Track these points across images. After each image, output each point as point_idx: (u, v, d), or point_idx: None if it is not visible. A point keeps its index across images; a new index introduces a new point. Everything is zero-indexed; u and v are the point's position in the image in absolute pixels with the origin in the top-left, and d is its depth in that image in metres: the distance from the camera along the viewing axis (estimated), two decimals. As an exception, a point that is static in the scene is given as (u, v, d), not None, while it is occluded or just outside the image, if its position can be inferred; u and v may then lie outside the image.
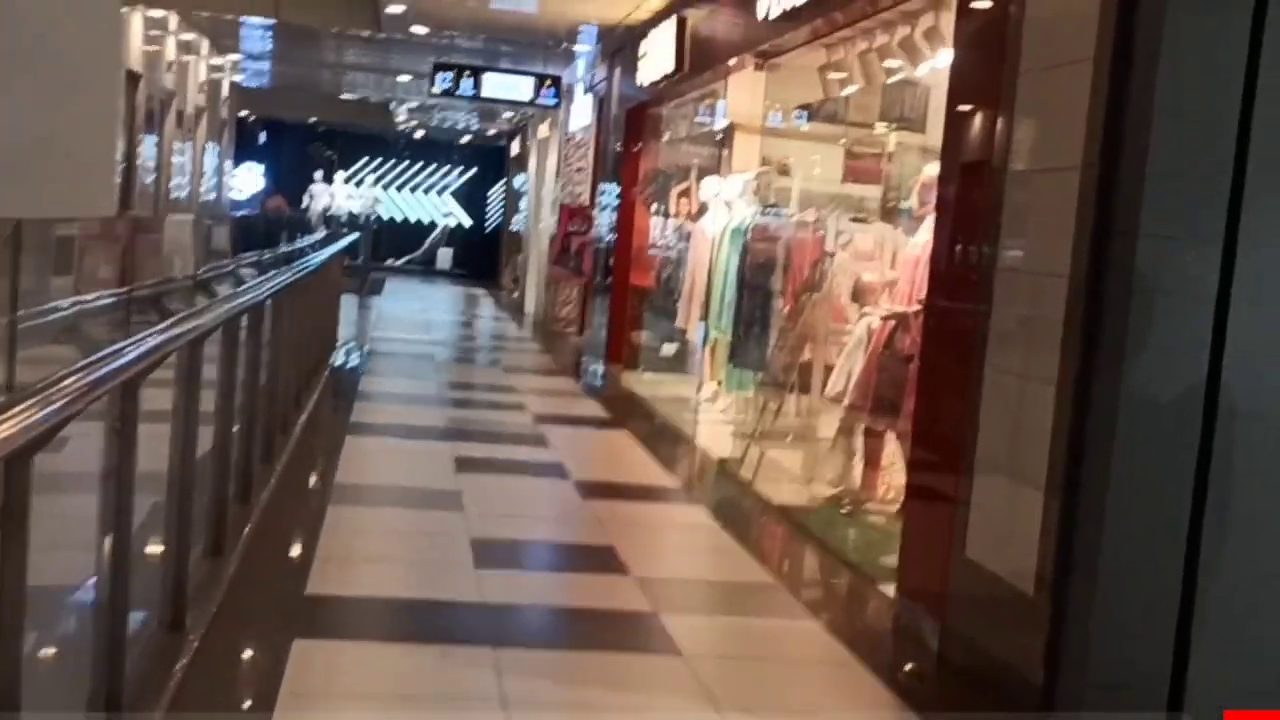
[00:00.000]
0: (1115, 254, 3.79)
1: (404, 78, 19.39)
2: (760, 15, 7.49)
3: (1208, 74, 3.67)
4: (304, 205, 27.17)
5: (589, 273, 16.52)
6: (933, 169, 6.74)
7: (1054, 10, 4.20)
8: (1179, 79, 3.66)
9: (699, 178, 12.04)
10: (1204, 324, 3.71)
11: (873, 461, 6.99)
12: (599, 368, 13.28)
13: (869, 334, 7.36)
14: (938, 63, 6.08)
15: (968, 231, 4.73)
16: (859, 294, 7.49)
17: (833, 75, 7.28)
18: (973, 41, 4.79)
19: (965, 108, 4.78)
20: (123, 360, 3.08)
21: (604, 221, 14.11)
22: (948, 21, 5.76)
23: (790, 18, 7.10)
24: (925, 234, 6.81)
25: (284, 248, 11.95)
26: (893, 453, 6.92)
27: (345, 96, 24.22)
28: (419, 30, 13.58)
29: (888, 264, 7.81)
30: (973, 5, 4.74)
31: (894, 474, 6.86)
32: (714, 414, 10.21)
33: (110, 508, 3.20)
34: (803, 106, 12.89)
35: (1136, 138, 3.72)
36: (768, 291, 9.42)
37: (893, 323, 6.79)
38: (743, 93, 9.03)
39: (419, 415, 9.50)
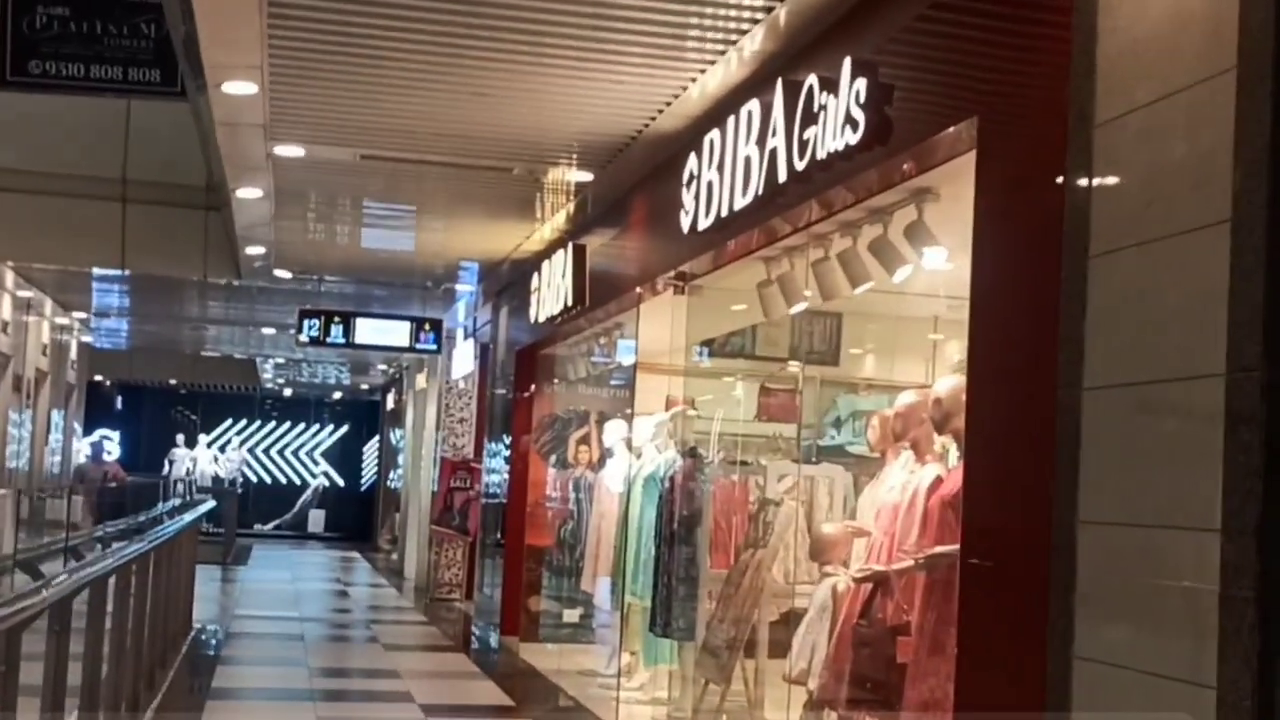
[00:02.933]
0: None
1: (268, 330, 18.14)
2: (684, 228, 6.44)
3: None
4: (165, 471, 25.47)
5: (475, 531, 15.16)
6: (906, 398, 5.63)
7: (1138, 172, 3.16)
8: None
9: (600, 422, 10.88)
10: None
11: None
12: (493, 640, 11.74)
13: (834, 599, 6.09)
14: (928, 262, 5.02)
15: (1020, 470, 3.55)
16: (818, 549, 6.25)
17: (774, 292, 6.21)
18: (1011, 227, 3.72)
19: (1001, 308, 3.67)
20: None
21: (492, 475, 12.80)
22: (938, 212, 4.74)
23: (722, 228, 6.06)
24: (899, 475, 5.65)
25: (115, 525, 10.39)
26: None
27: (207, 354, 22.85)
28: (282, 275, 12.39)
29: (844, 512, 6.62)
30: (1007, 177, 3.69)
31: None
32: (634, 694, 8.73)
33: None
34: (705, 342, 12.00)
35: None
36: (694, 548, 8.14)
37: (868, 586, 5.54)
38: (656, 323, 7.94)
39: (280, 714, 7.91)
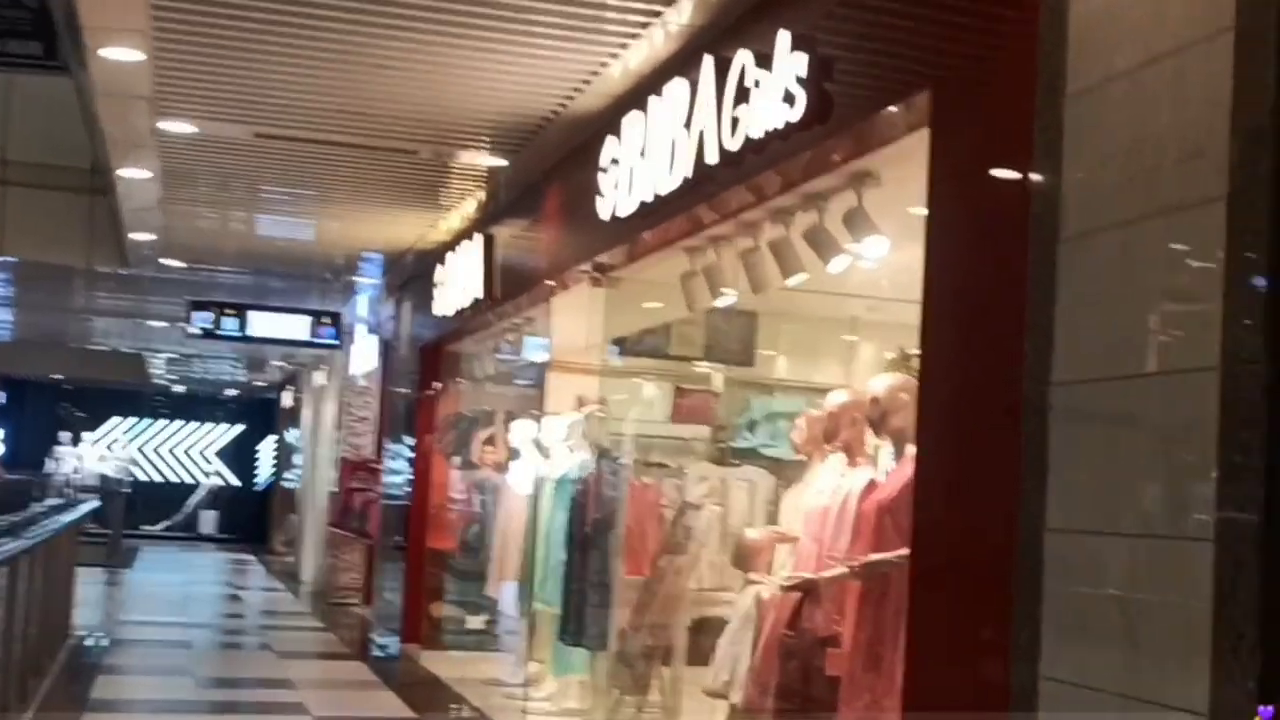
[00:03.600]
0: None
1: (158, 323, 17.40)
2: (603, 216, 6.08)
3: None
4: (47, 470, 24.45)
5: (375, 534, 14.64)
6: (837, 398, 5.34)
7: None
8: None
9: (507, 422, 10.48)
10: None
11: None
12: (393, 647, 11.27)
13: (759, 609, 5.78)
14: (871, 250, 4.71)
15: (979, 472, 3.25)
16: (741, 556, 5.93)
17: (698, 284, 5.87)
18: (969, 209, 3.42)
19: (960, 297, 3.37)
20: None
21: (394, 476, 12.33)
22: (877, 199, 4.43)
23: (645, 216, 5.71)
24: (828, 479, 5.36)
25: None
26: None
27: (94, 347, 21.95)
28: (172, 264, 11.78)
29: (765, 517, 6.32)
30: (964, 154, 3.39)
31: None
32: (541, 704, 8.35)
33: None
34: (617, 340, 11.64)
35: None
36: (606, 553, 7.78)
37: (796, 595, 5.23)
38: (571, 318, 7.58)
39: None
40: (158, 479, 28.00)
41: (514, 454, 9.81)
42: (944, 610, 3.44)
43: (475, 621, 10.68)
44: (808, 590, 5.18)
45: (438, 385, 11.22)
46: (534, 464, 9.36)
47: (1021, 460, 3.06)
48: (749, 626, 5.79)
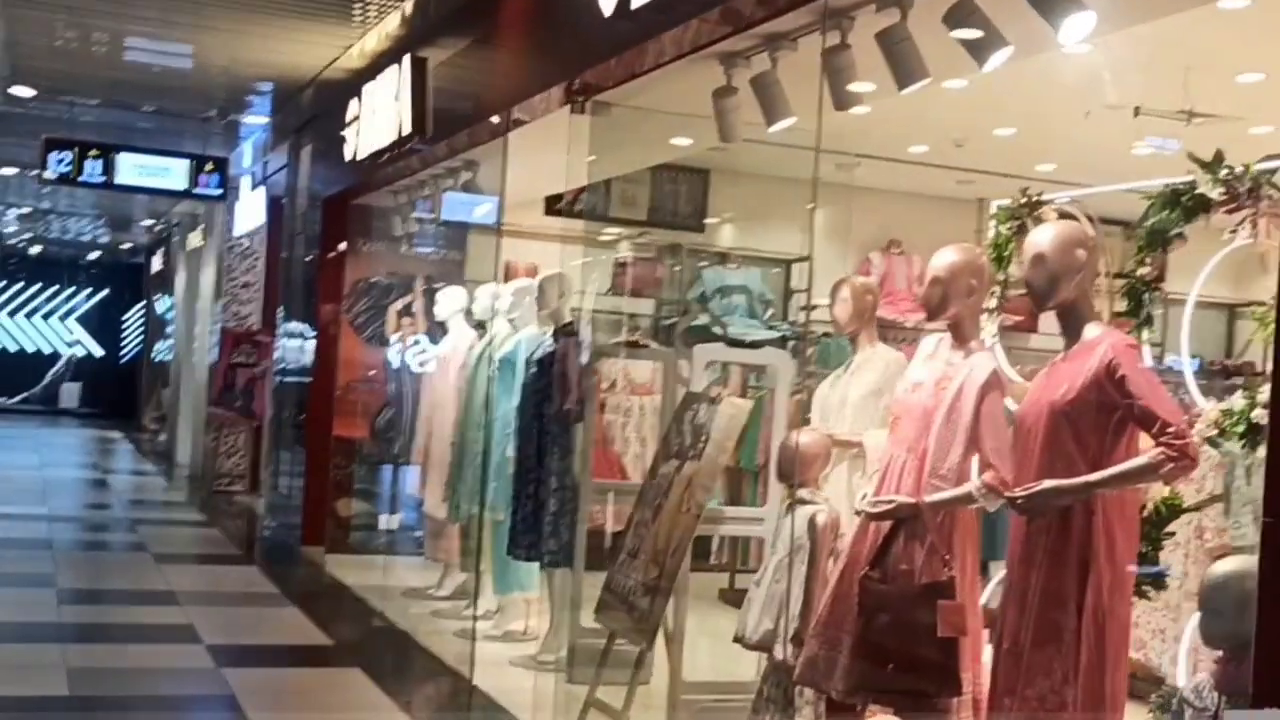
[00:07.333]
0: None
1: (7, 170, 15.21)
2: (606, 11, 4.49)
3: None
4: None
5: (261, 414, 13.03)
6: (947, 257, 3.89)
7: None
8: None
9: (429, 290, 8.93)
10: None
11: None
12: (293, 549, 9.75)
13: (816, 537, 4.41)
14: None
15: None
16: (790, 465, 4.52)
17: (734, 105, 4.34)
18: None
19: None
20: None
21: (288, 351, 10.68)
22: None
23: (663, 10, 4.16)
24: (925, 368, 3.94)
25: None
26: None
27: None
28: (21, 93, 9.79)
29: (830, 410, 4.91)
30: None
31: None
32: (481, 626, 6.95)
33: None
34: (552, 198, 10.08)
35: None
36: (571, 451, 6.35)
37: (885, 525, 3.85)
38: (533, 158, 5.99)
39: (17, 664, 5.88)
40: (12, 348, 25.89)
41: (440, 328, 8.29)
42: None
43: (390, 521, 9.23)
44: (905, 517, 3.80)
45: (344, 245, 9.56)
46: (466, 341, 7.86)
47: None
48: (801, 560, 4.43)
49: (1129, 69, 5.54)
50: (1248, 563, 2.74)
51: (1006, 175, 8.86)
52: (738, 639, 4.55)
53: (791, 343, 9.74)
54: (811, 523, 4.41)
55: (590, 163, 5.44)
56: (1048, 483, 3.20)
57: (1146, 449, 3.16)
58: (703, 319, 9.70)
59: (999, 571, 3.99)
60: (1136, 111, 6.16)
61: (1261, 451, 3.30)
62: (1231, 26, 4.91)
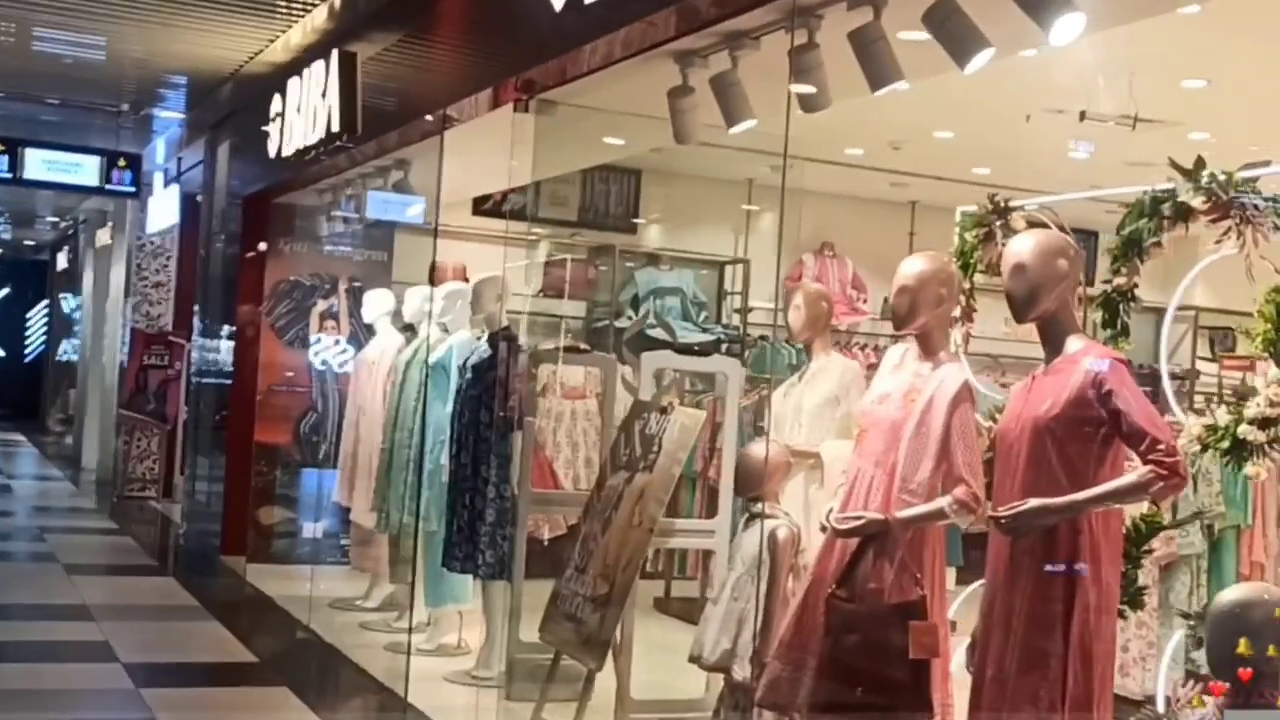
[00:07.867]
0: None
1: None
2: (556, 5, 4.31)
3: None
4: None
5: (174, 417, 12.65)
6: (915, 265, 3.76)
7: None
8: None
9: (352, 291, 8.69)
10: None
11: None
12: (212, 559, 9.42)
13: (775, 553, 4.27)
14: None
15: None
16: (749, 478, 4.38)
17: (691, 104, 4.18)
18: None
19: None
20: None
21: (206, 353, 10.34)
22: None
23: (615, 7, 3.99)
24: (893, 379, 3.82)
25: None
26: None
27: None
28: (-77, 84, 9.37)
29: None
30: None
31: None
32: (413, 640, 6.71)
33: None
34: (480, 199, 9.87)
35: None
36: (509, 459, 6.15)
37: (852, 542, 3.71)
38: (471, 157, 5.79)
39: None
40: (-92, 346, 25.07)
41: (367, 331, 8.05)
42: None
43: (314, 530, 8.94)
44: (873, 536, 3.67)
45: (264, 245, 9.25)
46: (394, 344, 7.63)
47: None
48: (758, 577, 4.29)
49: (1074, 73, 5.49)
50: (1254, 591, 2.64)
51: (940, 179, 8.85)
52: (694, 659, 4.40)
53: (725, 345, 9.63)
54: (772, 538, 4.27)
55: (534, 163, 5.24)
56: (1034, 502, 3.09)
57: (1133, 466, 3.06)
58: (655, 331, 9.51)
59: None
60: (1082, 116, 6.12)
61: (1249, 468, 3.22)
62: (1178, 32, 4.87)
